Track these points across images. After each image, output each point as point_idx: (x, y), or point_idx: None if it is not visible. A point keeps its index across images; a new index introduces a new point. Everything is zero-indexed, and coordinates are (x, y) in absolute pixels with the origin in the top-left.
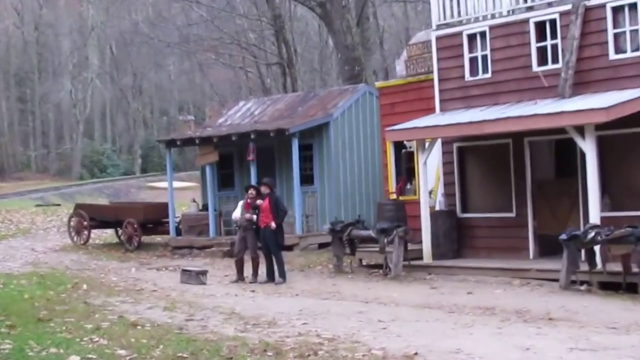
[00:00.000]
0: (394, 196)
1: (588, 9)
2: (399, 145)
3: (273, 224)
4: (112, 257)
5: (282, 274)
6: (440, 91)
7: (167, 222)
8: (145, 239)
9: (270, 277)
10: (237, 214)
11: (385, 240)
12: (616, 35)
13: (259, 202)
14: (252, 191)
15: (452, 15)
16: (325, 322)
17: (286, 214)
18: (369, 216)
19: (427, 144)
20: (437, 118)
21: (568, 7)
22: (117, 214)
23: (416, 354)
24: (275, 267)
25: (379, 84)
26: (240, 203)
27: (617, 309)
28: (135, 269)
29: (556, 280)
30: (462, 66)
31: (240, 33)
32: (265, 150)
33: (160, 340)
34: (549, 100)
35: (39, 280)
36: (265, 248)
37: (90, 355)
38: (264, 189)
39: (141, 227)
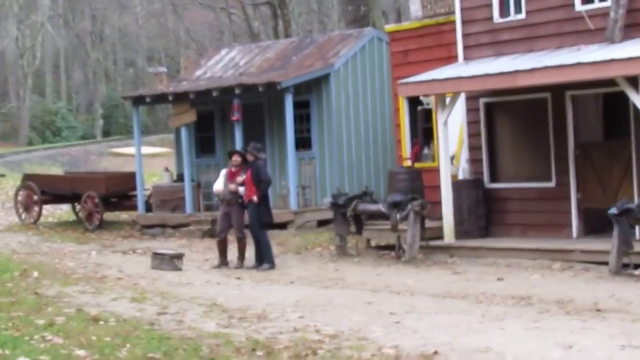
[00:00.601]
0: (408, 163)
1: None
2: (414, 102)
3: (255, 197)
4: (69, 238)
5: (269, 259)
6: (464, 36)
7: (135, 196)
8: (108, 216)
9: (260, 261)
10: (219, 185)
11: (398, 216)
12: None
13: (239, 178)
14: (236, 157)
15: None
16: (326, 316)
17: (269, 185)
18: (378, 187)
19: (448, 100)
20: (460, 68)
21: None
22: (74, 186)
23: (436, 352)
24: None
25: (389, 27)
26: (223, 172)
27: None
28: (96, 252)
29: (605, 263)
30: (490, 5)
31: None
32: (252, 109)
33: (127, 338)
34: (596, 46)
35: None
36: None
37: (42, 357)
38: (248, 157)
39: (103, 202)
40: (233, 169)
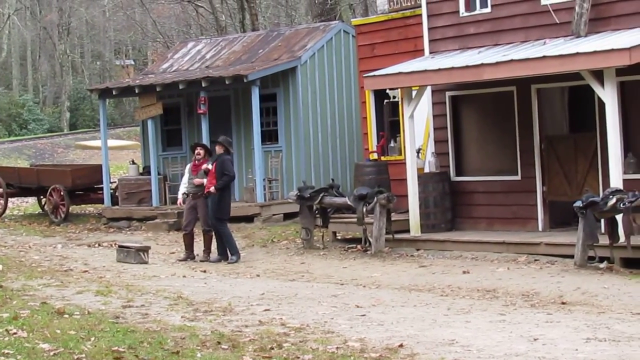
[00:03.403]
0: (374, 156)
1: None
2: (380, 95)
3: (212, 188)
4: (34, 231)
5: (234, 249)
6: (430, 29)
7: (101, 189)
8: (75, 209)
9: (224, 255)
10: (183, 187)
11: (364, 209)
12: None
13: (205, 167)
14: (199, 150)
15: None
16: (291, 309)
17: (232, 179)
18: (344, 180)
19: (414, 93)
20: (426, 62)
21: None
22: (40, 179)
23: (401, 345)
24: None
25: (356, 20)
26: (188, 167)
27: None
28: (62, 245)
29: (570, 256)
30: None
31: None
32: (219, 102)
33: (92, 331)
34: (561, 40)
35: None
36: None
37: (6, 351)
38: (218, 149)
39: (69, 195)
40: (197, 162)
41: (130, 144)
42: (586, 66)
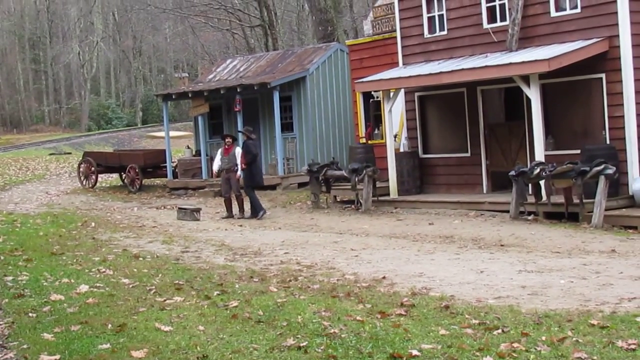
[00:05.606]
0: (363, 140)
1: None
2: (367, 95)
3: (244, 165)
4: (117, 198)
5: (260, 207)
6: (403, 47)
7: (165, 167)
8: (146, 181)
9: (254, 213)
10: (217, 165)
11: (356, 179)
12: None
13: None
14: (228, 139)
15: None
16: (304, 251)
17: (253, 157)
18: (342, 158)
19: (391, 94)
20: (400, 71)
21: None
22: (120, 160)
23: (384, 277)
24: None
25: (349, 42)
26: (219, 151)
27: (560, 236)
28: (137, 208)
29: (507, 211)
30: (422, 25)
31: None
32: (250, 102)
33: (159, 269)
34: (498, 54)
35: (53, 219)
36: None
37: (98, 284)
38: (243, 137)
39: (142, 171)
40: (226, 147)
41: (185, 134)
42: (517, 72)
